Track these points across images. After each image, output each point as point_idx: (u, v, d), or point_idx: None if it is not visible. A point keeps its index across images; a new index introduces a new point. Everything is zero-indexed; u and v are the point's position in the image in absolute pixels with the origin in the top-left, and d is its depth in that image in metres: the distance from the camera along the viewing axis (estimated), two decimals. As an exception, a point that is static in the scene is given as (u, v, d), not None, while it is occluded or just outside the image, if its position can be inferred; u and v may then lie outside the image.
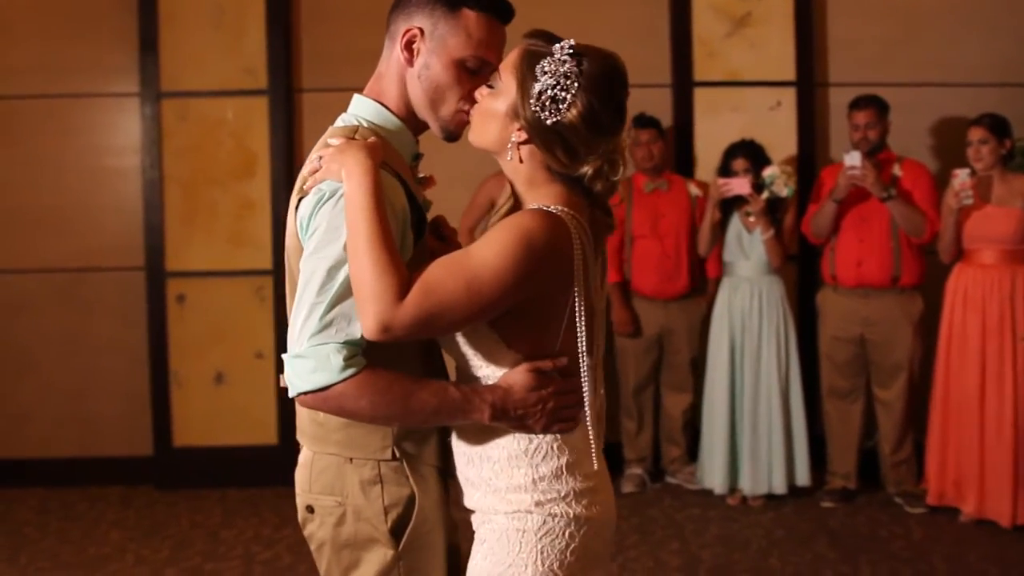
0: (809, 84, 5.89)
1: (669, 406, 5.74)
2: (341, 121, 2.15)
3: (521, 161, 1.99)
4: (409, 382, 1.93)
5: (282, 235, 6.16)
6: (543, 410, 1.95)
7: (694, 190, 5.63)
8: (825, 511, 5.25)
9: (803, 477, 5.37)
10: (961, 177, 4.91)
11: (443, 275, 1.85)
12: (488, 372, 1.99)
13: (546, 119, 1.91)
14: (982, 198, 4.99)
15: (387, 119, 2.11)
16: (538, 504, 1.96)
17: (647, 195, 5.60)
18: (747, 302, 5.39)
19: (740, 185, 5.24)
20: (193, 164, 5.73)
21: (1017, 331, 4.90)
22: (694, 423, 5.66)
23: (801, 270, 5.91)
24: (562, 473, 1.97)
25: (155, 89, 5.67)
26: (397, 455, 2.06)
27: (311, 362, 1.89)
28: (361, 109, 2.13)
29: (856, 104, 5.32)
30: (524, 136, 1.95)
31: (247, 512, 5.36)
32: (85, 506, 5.48)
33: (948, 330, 5.10)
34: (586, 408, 2.00)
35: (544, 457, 1.98)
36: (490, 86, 2.01)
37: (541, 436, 1.98)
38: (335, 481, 2.09)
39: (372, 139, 2.00)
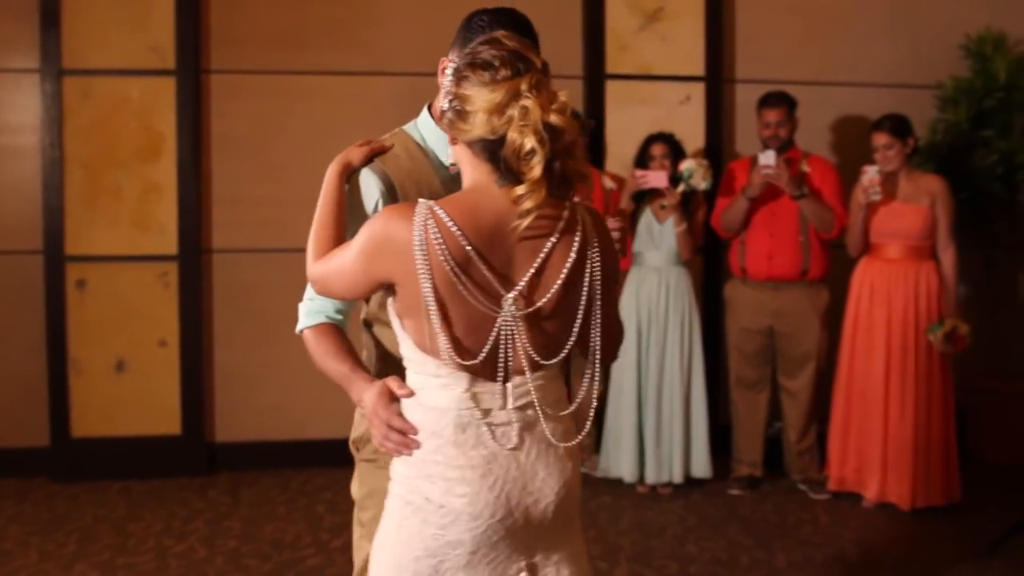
0: (717, 80, 6.01)
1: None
2: None
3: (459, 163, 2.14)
4: (332, 348, 2.28)
5: (188, 219, 6.00)
6: (368, 418, 2.16)
7: (608, 183, 5.68)
8: (733, 498, 5.37)
9: (701, 468, 5.47)
10: (870, 174, 5.08)
11: (338, 250, 2.16)
12: (404, 351, 2.13)
13: (447, 106, 2.07)
14: (889, 195, 5.16)
15: (427, 123, 2.43)
16: (404, 476, 2.12)
17: (561, 186, 5.62)
18: (654, 292, 5.47)
19: (657, 178, 5.31)
20: (96, 145, 5.53)
21: (920, 324, 5.08)
22: (603, 412, 5.71)
23: (707, 262, 6.03)
24: (422, 455, 2.08)
25: (56, 66, 5.45)
26: None
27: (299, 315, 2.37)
28: (421, 115, 2.46)
29: (766, 101, 5.43)
30: (449, 136, 2.12)
31: (153, 504, 5.21)
32: (-23, 499, 5.27)
33: (853, 322, 5.27)
34: (414, 437, 2.09)
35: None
36: None
37: None
38: None
39: (374, 143, 2.37)
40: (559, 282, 2.06)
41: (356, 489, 2.52)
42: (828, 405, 5.42)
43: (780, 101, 5.40)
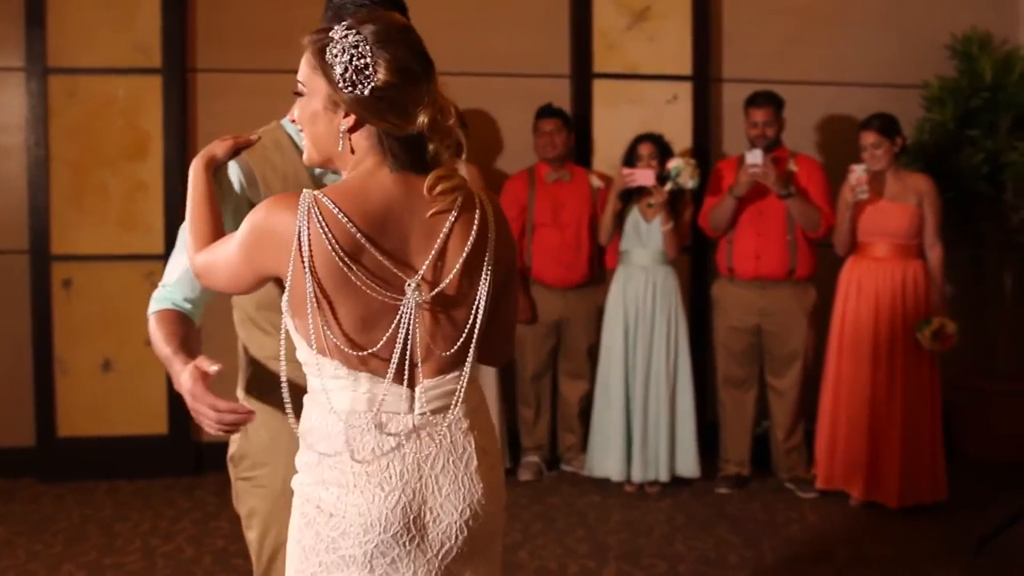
0: (705, 79, 6.02)
1: (566, 393, 5.79)
2: None
3: (353, 152, 1.98)
4: (165, 332, 2.21)
5: (174, 218, 5.99)
6: (203, 412, 2.05)
7: (596, 182, 5.68)
8: (721, 497, 5.38)
9: (688, 467, 5.48)
10: (857, 172, 5.09)
11: (222, 241, 2.06)
12: (299, 355, 1.99)
13: (364, 91, 1.90)
14: (876, 194, 5.17)
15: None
16: (299, 482, 2.03)
17: (549, 185, 5.64)
18: (641, 291, 5.47)
19: (644, 176, 5.31)
20: (82, 144, 5.51)
21: (908, 322, 5.09)
22: (590, 411, 5.71)
23: (694, 261, 6.03)
24: (319, 460, 1.98)
25: (41, 64, 5.43)
26: (240, 399, 2.43)
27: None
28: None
29: (754, 101, 5.44)
30: (352, 121, 1.94)
31: (140, 504, 5.19)
32: (-37, 500, 5.24)
33: (841, 320, 5.28)
34: (288, 410, 1.99)
35: (311, 440, 2.00)
36: (298, 94, 2.02)
37: (299, 421, 2.03)
38: None
39: (239, 138, 2.32)
40: (460, 262, 1.95)
41: (237, 506, 2.51)
42: (815, 403, 5.43)
43: (767, 101, 5.41)
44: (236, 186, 2.30)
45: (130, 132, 5.55)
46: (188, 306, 2.29)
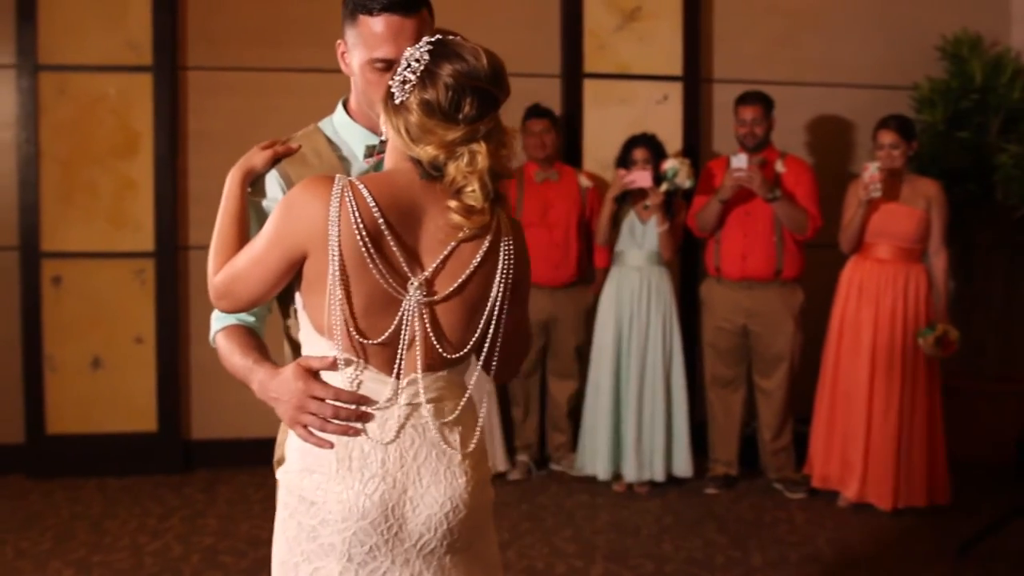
0: (695, 79, 6.03)
1: (555, 393, 5.80)
2: None
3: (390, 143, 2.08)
4: (238, 346, 2.16)
5: (164, 216, 5.95)
6: (288, 404, 2.02)
7: (584, 181, 5.69)
8: (709, 497, 5.39)
9: (683, 467, 5.50)
10: (871, 170, 5.07)
11: (243, 249, 2.05)
12: (301, 335, 2.07)
13: (396, 98, 1.98)
14: (885, 195, 5.12)
15: (341, 118, 2.33)
16: (284, 472, 2.08)
17: (538, 185, 5.65)
18: (636, 291, 5.49)
19: (643, 178, 5.34)
20: (72, 141, 5.51)
21: (908, 326, 5.10)
22: (579, 410, 5.73)
23: (684, 262, 6.04)
24: (305, 449, 2.02)
25: (32, 61, 5.43)
26: None
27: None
28: (336, 110, 2.35)
29: (743, 100, 5.46)
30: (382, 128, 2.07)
31: (128, 502, 5.19)
32: (-48, 497, 5.24)
33: (840, 320, 5.28)
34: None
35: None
36: None
37: None
38: None
39: (278, 146, 2.25)
40: (466, 274, 2.00)
41: None
42: (805, 404, 5.44)
43: (757, 99, 5.43)
44: (278, 197, 2.21)
45: (120, 130, 5.55)
46: (251, 319, 2.25)
